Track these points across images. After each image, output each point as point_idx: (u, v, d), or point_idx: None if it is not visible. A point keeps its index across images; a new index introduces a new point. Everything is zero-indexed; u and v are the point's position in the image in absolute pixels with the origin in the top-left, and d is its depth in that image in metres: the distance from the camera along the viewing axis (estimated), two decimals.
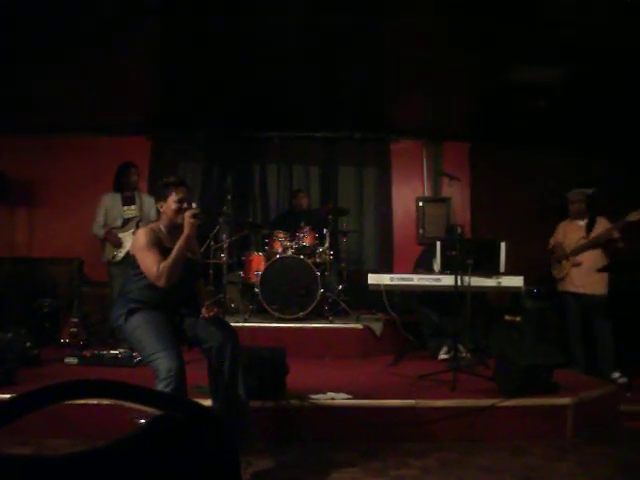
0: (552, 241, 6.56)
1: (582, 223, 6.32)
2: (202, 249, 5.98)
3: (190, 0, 4.88)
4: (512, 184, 8.62)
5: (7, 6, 4.76)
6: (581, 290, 6.11)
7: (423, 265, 6.58)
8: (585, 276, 6.07)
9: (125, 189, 6.58)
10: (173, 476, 0.97)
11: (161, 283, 3.41)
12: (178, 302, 3.66)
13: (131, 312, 3.49)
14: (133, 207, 6.55)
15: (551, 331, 6.78)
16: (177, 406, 0.99)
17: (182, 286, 3.61)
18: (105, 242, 6.49)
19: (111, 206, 6.56)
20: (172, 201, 3.61)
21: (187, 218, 3.52)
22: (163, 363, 3.24)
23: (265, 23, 5.28)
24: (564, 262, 6.30)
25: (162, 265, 3.40)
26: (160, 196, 3.69)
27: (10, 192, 8.11)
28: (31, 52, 5.78)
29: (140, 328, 3.42)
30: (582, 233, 6.24)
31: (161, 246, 3.49)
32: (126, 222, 6.42)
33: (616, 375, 5.86)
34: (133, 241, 3.62)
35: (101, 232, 6.49)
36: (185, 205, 3.62)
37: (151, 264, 3.43)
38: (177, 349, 3.37)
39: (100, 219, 6.55)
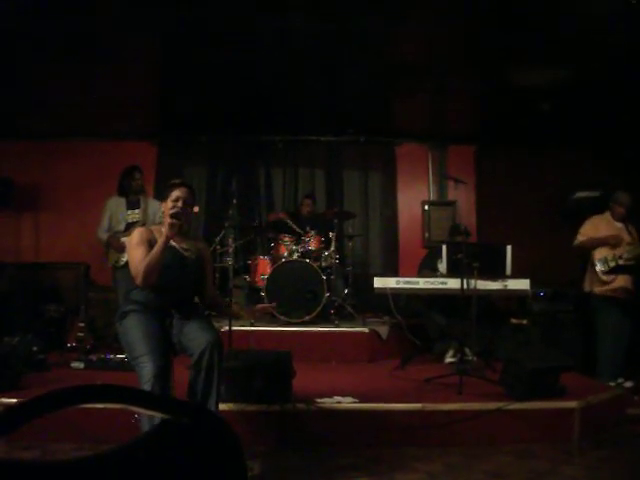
0: (585, 233, 6.19)
1: (620, 225, 6.12)
2: None
3: (190, 7, 4.90)
4: (518, 187, 8.61)
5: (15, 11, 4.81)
6: (625, 296, 5.95)
7: (428, 266, 6.56)
8: (632, 280, 5.95)
9: (129, 193, 6.57)
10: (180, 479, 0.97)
11: (139, 281, 3.43)
12: (176, 303, 3.62)
13: (123, 315, 3.51)
14: (137, 211, 6.52)
15: (561, 333, 6.73)
16: (183, 411, 0.99)
17: (179, 287, 3.61)
18: (108, 247, 6.49)
19: (115, 210, 6.54)
20: (169, 200, 3.61)
21: (166, 217, 3.50)
22: (145, 367, 3.23)
23: (268, 27, 5.30)
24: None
25: (141, 264, 3.40)
26: (163, 198, 3.72)
27: (15, 197, 8.12)
28: (36, 58, 5.82)
29: (129, 331, 3.43)
30: (627, 237, 6.04)
31: (153, 246, 3.47)
32: (129, 226, 6.38)
33: (621, 380, 5.82)
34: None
35: (104, 236, 6.48)
36: (180, 204, 3.58)
37: (133, 262, 3.48)
38: (161, 353, 3.33)
39: (104, 223, 6.53)
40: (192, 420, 0.98)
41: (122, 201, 6.56)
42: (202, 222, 8.46)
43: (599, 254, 6.07)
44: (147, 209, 6.49)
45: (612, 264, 5.93)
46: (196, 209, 5.91)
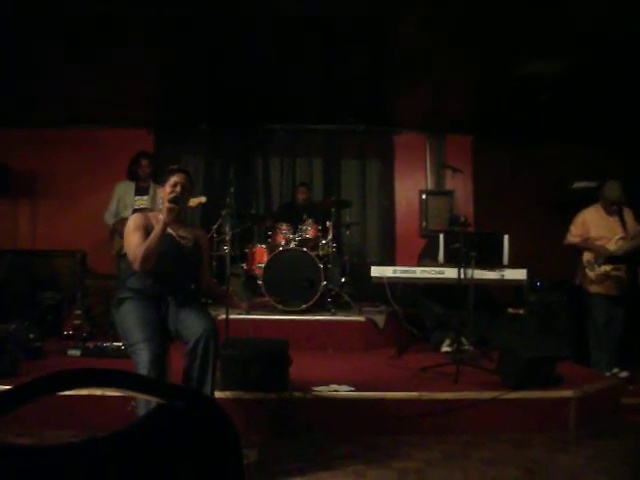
0: (576, 233, 6.10)
1: (613, 218, 5.97)
2: None
3: None
4: (515, 177, 8.62)
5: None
6: (618, 292, 5.92)
7: (429, 255, 6.54)
8: (623, 277, 5.90)
9: (138, 179, 6.54)
10: (175, 465, 0.97)
11: (136, 266, 3.42)
12: (173, 290, 3.62)
13: (120, 302, 3.51)
14: (145, 198, 6.49)
15: (556, 323, 6.75)
16: (178, 395, 0.98)
17: (175, 274, 3.61)
18: (114, 233, 6.45)
19: (123, 195, 6.52)
20: (168, 186, 3.60)
21: (164, 202, 3.52)
22: (141, 354, 3.23)
23: (265, 16, 5.27)
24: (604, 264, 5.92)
25: (138, 249, 3.40)
26: (161, 183, 3.73)
27: (13, 184, 8.11)
28: (35, 47, 5.78)
29: (125, 318, 3.42)
30: (619, 231, 5.91)
31: (150, 232, 3.47)
32: (136, 212, 6.34)
33: (616, 370, 5.83)
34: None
35: (111, 221, 6.45)
36: (178, 189, 3.58)
37: (130, 247, 3.48)
38: (157, 340, 3.32)
39: (112, 207, 6.51)
40: (187, 404, 0.97)
41: (131, 186, 6.53)
42: (199, 210, 8.43)
43: (589, 253, 6.04)
44: (155, 196, 6.44)
45: (601, 261, 5.90)
46: (203, 199, 5.88)
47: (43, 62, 6.24)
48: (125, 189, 6.53)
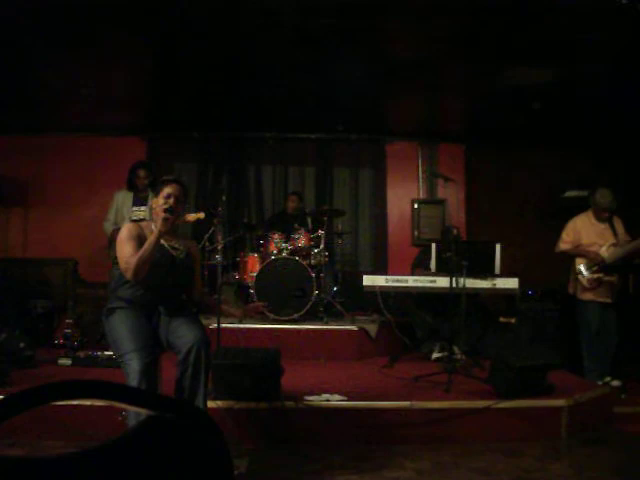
0: (568, 239, 6.11)
1: (604, 225, 6.01)
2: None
3: (186, 2, 4.87)
4: (507, 186, 8.65)
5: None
6: (610, 298, 5.94)
7: (422, 264, 6.55)
8: (615, 283, 5.93)
9: (137, 189, 6.52)
10: (165, 476, 0.96)
11: (129, 275, 3.41)
12: (163, 301, 3.61)
13: (110, 312, 3.50)
14: (143, 209, 6.46)
15: (548, 332, 6.76)
16: (168, 407, 0.98)
17: (167, 285, 3.59)
18: (112, 242, 6.43)
19: (121, 205, 6.49)
20: (161, 197, 3.59)
21: (159, 212, 3.50)
22: (131, 364, 3.21)
23: (261, 23, 5.28)
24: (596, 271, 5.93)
25: (131, 258, 3.39)
26: (155, 193, 3.70)
27: (4, 192, 8.07)
28: (27, 51, 5.77)
29: (116, 328, 3.41)
30: (611, 238, 5.94)
31: (143, 242, 3.46)
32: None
33: (608, 379, 5.84)
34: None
35: (109, 230, 6.43)
36: (171, 200, 3.56)
37: (122, 256, 3.46)
38: (148, 350, 3.30)
39: (110, 216, 6.48)
40: (177, 416, 0.97)
41: (129, 196, 6.50)
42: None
43: (581, 260, 6.05)
44: None
45: (595, 268, 5.92)
46: (201, 215, 5.86)
47: (41, 65, 6.20)
48: (123, 199, 6.50)
